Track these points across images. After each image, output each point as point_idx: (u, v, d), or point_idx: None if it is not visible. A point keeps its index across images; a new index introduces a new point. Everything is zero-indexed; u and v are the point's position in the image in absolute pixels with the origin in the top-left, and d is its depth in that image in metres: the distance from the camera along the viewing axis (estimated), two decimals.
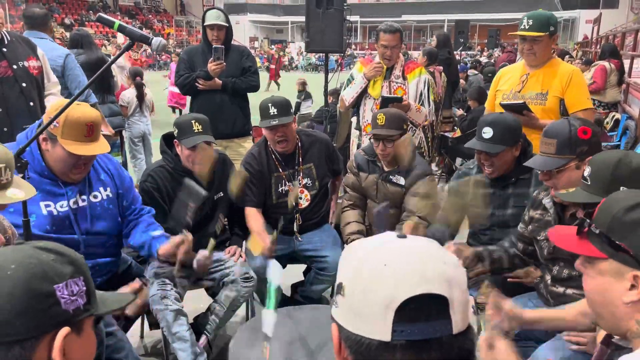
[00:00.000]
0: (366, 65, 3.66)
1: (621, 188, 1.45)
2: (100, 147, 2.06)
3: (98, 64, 4.42)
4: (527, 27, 2.85)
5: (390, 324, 0.69)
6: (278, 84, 19.49)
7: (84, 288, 0.90)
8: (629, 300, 1.02)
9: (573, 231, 1.16)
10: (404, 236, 0.77)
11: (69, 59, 3.75)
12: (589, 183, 1.56)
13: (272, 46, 31.07)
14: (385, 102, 3.32)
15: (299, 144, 2.90)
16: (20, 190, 1.51)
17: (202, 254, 2.44)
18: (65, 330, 0.85)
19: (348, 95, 3.70)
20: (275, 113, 2.70)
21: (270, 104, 2.70)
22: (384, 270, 0.71)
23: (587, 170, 1.58)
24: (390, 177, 2.84)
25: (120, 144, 5.31)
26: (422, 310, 0.69)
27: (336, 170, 3.10)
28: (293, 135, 2.83)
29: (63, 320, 0.86)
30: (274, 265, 1.59)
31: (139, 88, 5.82)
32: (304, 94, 9.50)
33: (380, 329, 0.69)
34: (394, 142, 2.75)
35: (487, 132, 2.33)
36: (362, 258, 0.74)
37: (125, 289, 1.90)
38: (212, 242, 2.45)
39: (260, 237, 2.66)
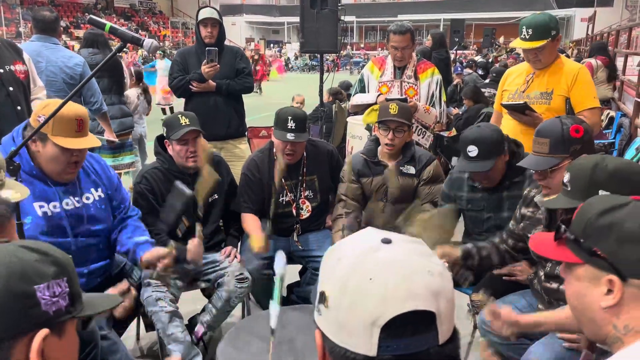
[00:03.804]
0: (377, 64, 3.62)
1: (600, 192, 1.46)
2: (91, 141, 2.07)
3: (113, 65, 4.47)
4: (527, 37, 2.77)
5: (377, 341, 0.68)
6: (259, 89, 16.45)
7: (67, 289, 0.89)
8: (606, 305, 1.02)
9: (551, 237, 1.16)
10: (389, 241, 0.75)
11: (85, 67, 3.78)
12: (569, 189, 1.58)
13: (252, 45, 30.35)
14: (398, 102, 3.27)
15: (305, 153, 2.88)
16: (15, 191, 1.51)
17: (193, 242, 2.43)
18: (43, 332, 0.84)
19: (355, 101, 3.66)
20: (294, 127, 2.68)
21: (290, 117, 2.68)
22: (369, 286, 0.69)
23: (566, 176, 1.60)
24: (400, 168, 2.84)
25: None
26: (408, 326, 0.68)
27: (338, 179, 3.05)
28: (302, 150, 2.84)
29: (43, 321, 0.85)
30: (278, 256, 1.61)
31: (147, 92, 5.83)
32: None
33: (365, 344, 0.69)
34: (403, 134, 2.76)
35: (473, 151, 2.34)
36: (346, 269, 0.72)
37: (113, 290, 1.89)
38: (199, 228, 2.44)
39: (256, 236, 2.67)
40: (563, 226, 1.13)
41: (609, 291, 1.02)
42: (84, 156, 2.16)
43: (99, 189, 2.27)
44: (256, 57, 17.80)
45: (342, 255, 0.75)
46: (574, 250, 1.08)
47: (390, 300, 0.68)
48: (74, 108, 2.00)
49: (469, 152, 2.34)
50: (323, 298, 0.73)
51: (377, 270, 0.71)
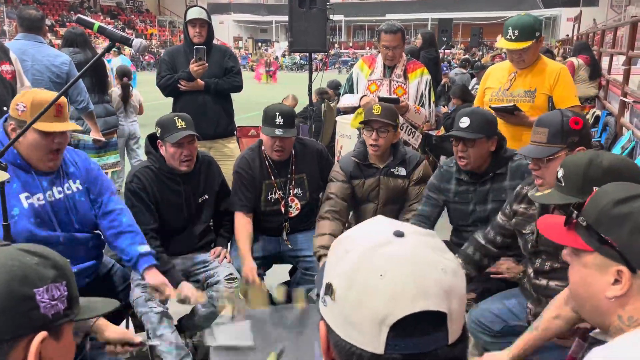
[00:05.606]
0: (367, 62, 3.64)
1: (594, 188, 1.46)
2: (70, 125, 2.11)
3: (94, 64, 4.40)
4: (513, 37, 2.85)
5: (385, 339, 0.66)
6: None
7: (66, 293, 0.89)
8: (612, 295, 1.01)
9: (561, 221, 1.14)
10: (402, 234, 0.71)
11: (72, 66, 3.75)
12: (563, 184, 1.58)
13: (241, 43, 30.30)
14: (383, 102, 3.27)
15: (293, 152, 2.87)
16: None
17: (188, 288, 2.41)
18: (42, 334, 0.85)
19: (341, 104, 3.69)
20: (282, 123, 2.68)
21: (277, 113, 2.68)
22: (379, 283, 0.66)
23: (560, 172, 1.60)
24: (392, 170, 2.85)
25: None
26: (418, 326, 0.66)
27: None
28: (291, 147, 2.83)
29: (41, 324, 0.85)
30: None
31: (125, 89, 5.72)
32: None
33: (373, 342, 0.66)
34: (387, 134, 2.76)
35: (464, 122, 2.39)
36: (355, 263, 0.69)
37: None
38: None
39: (244, 258, 2.64)
40: (575, 211, 1.11)
41: (616, 281, 1.01)
42: (65, 143, 2.15)
43: (77, 181, 2.26)
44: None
45: (352, 246, 0.72)
46: (584, 237, 1.07)
47: (400, 298, 0.66)
48: (52, 94, 2.00)
49: (460, 122, 2.40)
50: (330, 290, 0.70)
51: (387, 267, 0.67)
